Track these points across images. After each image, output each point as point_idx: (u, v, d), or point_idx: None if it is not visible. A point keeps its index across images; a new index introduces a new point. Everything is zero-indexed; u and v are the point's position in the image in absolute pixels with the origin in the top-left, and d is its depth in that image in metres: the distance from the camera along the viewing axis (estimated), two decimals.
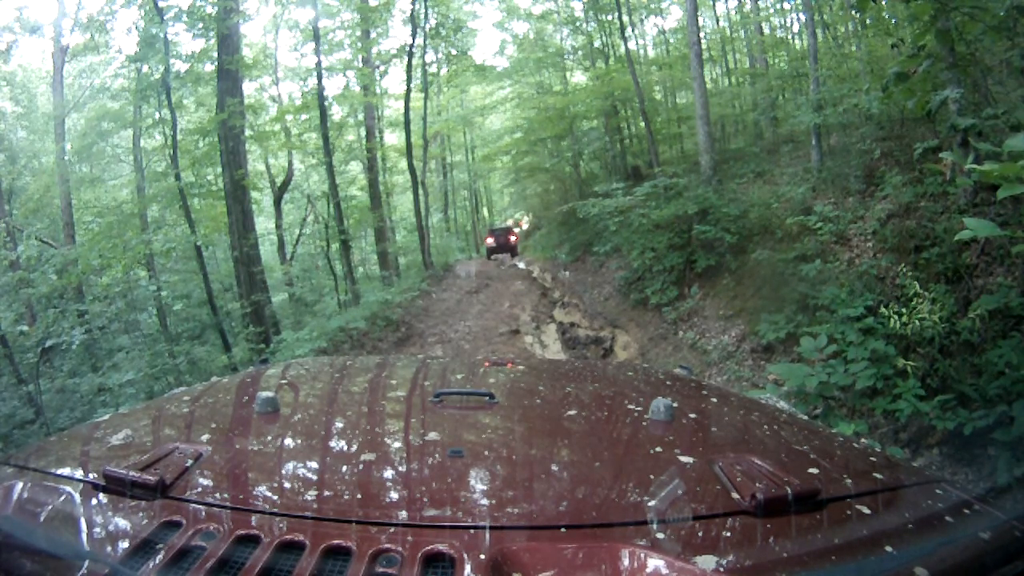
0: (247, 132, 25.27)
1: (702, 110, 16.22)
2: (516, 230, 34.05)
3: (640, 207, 14.18)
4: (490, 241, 30.96)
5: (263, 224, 28.85)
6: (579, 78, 30.27)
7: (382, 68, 24.90)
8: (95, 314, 20.50)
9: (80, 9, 22.98)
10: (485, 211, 46.59)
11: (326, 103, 22.42)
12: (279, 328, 18.46)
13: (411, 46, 21.24)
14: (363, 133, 27.09)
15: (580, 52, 28.37)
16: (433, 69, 26.45)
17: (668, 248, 14.22)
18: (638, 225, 14.16)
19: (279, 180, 27.65)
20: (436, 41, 23.81)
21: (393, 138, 31.37)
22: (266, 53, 27.88)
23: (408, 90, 21.80)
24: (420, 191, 22.95)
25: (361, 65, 24.96)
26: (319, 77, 21.78)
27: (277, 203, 27.58)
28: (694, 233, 13.75)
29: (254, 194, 31.03)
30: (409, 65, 21.42)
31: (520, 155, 28.54)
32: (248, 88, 28.79)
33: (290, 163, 27.54)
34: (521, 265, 26.95)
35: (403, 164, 29.12)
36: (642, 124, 25.42)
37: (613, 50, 26.54)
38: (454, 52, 24.76)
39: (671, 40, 27.20)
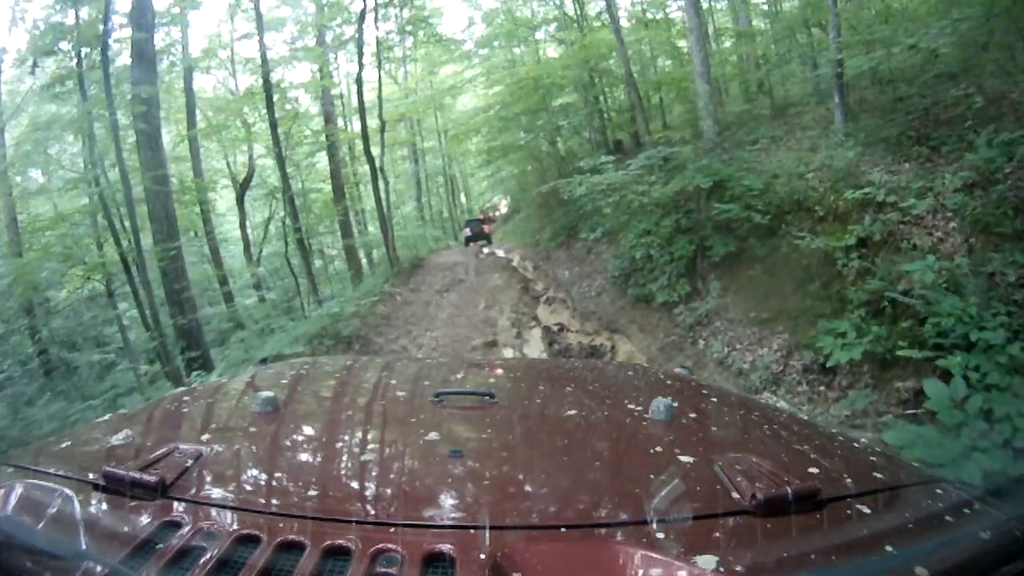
0: (199, 124, 22.10)
1: (701, 66, 12.72)
2: (495, 213, 34.39)
3: (637, 183, 10.56)
4: (467, 231, 30.35)
5: (232, 223, 26.18)
6: (552, 54, 26.39)
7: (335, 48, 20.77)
8: (50, 332, 17.24)
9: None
10: (462, 197, 42.64)
11: (273, 84, 18.76)
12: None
13: (363, 13, 17.31)
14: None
15: (554, 24, 24.48)
16: (396, 46, 22.42)
17: (675, 232, 10.63)
18: (638, 205, 10.52)
19: (241, 177, 24.16)
20: (392, 7, 19.73)
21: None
22: (221, 44, 24.39)
23: (360, 65, 18.04)
24: (380, 179, 19.19)
25: (314, 45, 21.00)
26: (263, 59, 18.06)
27: (240, 201, 24.09)
28: (707, 213, 10.24)
29: (215, 193, 27.96)
30: (360, 35, 17.55)
31: (493, 134, 24.45)
32: (207, 82, 25.77)
33: (251, 158, 24.04)
34: (500, 253, 23.40)
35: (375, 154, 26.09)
36: (622, 96, 22.27)
37: (587, 21, 22.76)
38: (412, 19, 20.65)
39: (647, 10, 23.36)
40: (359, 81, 18.08)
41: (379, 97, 19.72)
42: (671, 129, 16.59)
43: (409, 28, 20.83)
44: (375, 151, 19.79)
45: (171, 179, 22.35)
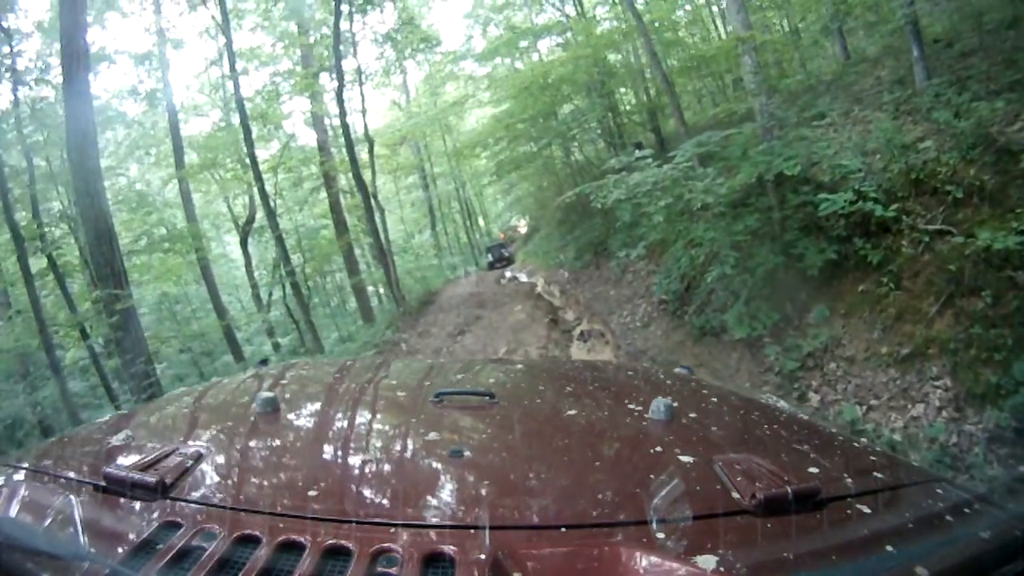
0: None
1: (742, 29, 9.79)
2: (516, 233, 33.73)
3: (690, 178, 7.46)
4: (489, 256, 29.94)
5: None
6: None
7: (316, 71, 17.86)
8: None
9: None
10: (480, 220, 39.78)
11: (259, 114, 16.23)
12: None
13: (337, 21, 14.49)
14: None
15: (556, 35, 21.80)
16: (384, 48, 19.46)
17: (747, 238, 7.54)
18: (700, 207, 7.31)
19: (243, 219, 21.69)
20: (373, 8, 16.70)
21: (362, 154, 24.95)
22: (211, 84, 22.53)
23: (340, 77, 15.16)
24: (376, 209, 16.33)
25: (301, 68, 18.25)
26: (236, 85, 15.48)
27: (244, 244, 21.50)
28: (783, 210, 7.28)
29: (224, 238, 25.67)
30: (336, 41, 14.68)
31: (503, 145, 21.39)
32: (206, 124, 23.60)
33: (251, 198, 21.38)
34: (523, 278, 20.53)
35: (380, 183, 23.54)
36: (632, 99, 19.52)
37: (588, 19, 20.03)
38: (392, 26, 17.65)
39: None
40: (339, 97, 15.24)
41: (363, 112, 16.89)
42: (684, 125, 13.62)
43: (397, 35, 17.87)
44: (374, 179, 16.98)
45: (159, 228, 20.49)
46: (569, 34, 20.40)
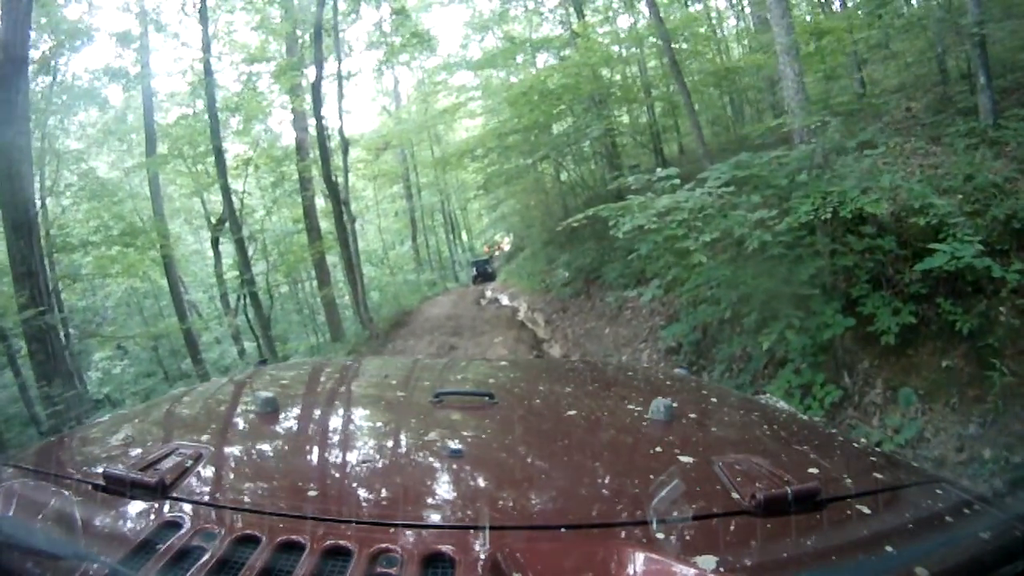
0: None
1: (786, 36, 8.39)
2: (496, 253, 32.88)
3: (737, 208, 5.78)
4: (473, 271, 30.03)
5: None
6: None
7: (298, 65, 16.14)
8: None
9: None
10: (463, 235, 38.31)
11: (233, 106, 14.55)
12: None
13: (320, 5, 12.87)
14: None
15: (555, 45, 20.28)
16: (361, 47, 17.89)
17: (814, 291, 5.88)
18: (757, 246, 5.55)
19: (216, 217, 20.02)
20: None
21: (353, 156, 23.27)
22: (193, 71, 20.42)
23: (319, 71, 13.51)
24: (347, 217, 14.55)
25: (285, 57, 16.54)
26: (207, 69, 13.78)
27: (215, 244, 20.04)
28: (848, 255, 5.73)
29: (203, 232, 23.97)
30: (318, 28, 13.06)
31: (492, 158, 19.77)
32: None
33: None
34: (504, 300, 18.93)
35: (361, 188, 21.99)
36: (628, 117, 18.03)
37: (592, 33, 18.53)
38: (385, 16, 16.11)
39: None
40: (316, 91, 13.57)
41: (340, 112, 15.16)
42: (704, 145, 12.08)
43: (386, 27, 16.30)
44: (347, 183, 15.26)
45: (121, 221, 18.71)
46: (569, 50, 19.00)
